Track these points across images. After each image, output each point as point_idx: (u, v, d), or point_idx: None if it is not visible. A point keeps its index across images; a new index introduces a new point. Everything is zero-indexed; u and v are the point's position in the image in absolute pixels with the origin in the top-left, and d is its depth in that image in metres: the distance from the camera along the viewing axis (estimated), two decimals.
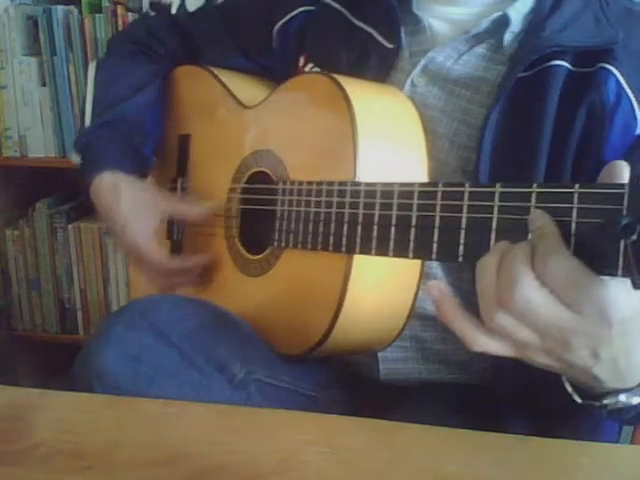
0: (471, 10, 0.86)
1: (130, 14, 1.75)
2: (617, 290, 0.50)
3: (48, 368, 1.65)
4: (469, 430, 0.62)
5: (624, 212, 0.49)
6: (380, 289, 0.78)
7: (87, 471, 0.58)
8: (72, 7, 1.82)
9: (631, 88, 0.77)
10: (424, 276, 0.80)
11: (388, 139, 0.80)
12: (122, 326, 0.75)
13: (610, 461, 0.60)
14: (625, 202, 0.49)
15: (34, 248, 1.95)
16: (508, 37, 0.82)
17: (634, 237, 0.48)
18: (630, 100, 0.77)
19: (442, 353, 0.86)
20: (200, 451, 0.60)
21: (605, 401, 0.60)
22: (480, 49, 0.84)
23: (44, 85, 1.85)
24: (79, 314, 1.96)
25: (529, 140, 0.78)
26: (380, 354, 0.87)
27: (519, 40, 0.82)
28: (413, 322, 0.82)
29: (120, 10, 1.76)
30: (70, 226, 1.92)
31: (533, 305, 0.52)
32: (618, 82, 0.77)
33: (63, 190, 1.96)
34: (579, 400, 0.62)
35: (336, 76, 0.81)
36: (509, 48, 0.82)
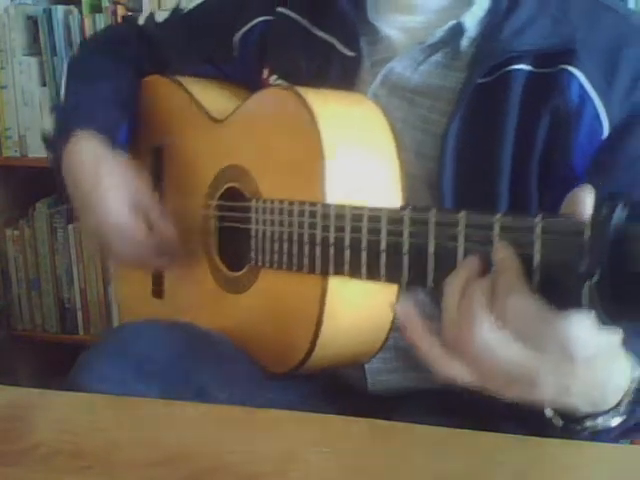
0: (426, 18, 0.84)
1: (130, 14, 1.75)
2: (579, 327, 0.50)
3: (48, 368, 1.65)
4: (469, 430, 0.62)
5: (584, 253, 0.48)
6: (359, 304, 0.77)
7: (87, 471, 0.58)
8: (72, 7, 1.83)
9: (595, 90, 0.75)
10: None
11: (357, 151, 0.78)
12: (102, 360, 0.76)
13: (610, 461, 0.60)
14: (585, 242, 0.48)
15: (34, 248, 1.96)
16: (465, 43, 0.81)
17: (595, 278, 0.47)
18: (594, 103, 0.75)
19: None
20: (200, 451, 0.60)
21: (586, 424, 0.60)
22: (437, 57, 0.82)
23: (44, 85, 1.85)
24: (79, 314, 1.96)
25: (492, 147, 0.77)
26: (367, 366, 0.86)
27: (476, 45, 0.80)
28: (395, 333, 0.81)
29: (120, 10, 1.77)
30: (70, 226, 1.93)
31: (491, 346, 0.52)
32: (581, 85, 0.75)
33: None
34: (559, 423, 0.62)
35: (299, 88, 0.79)
36: (467, 54, 0.81)
